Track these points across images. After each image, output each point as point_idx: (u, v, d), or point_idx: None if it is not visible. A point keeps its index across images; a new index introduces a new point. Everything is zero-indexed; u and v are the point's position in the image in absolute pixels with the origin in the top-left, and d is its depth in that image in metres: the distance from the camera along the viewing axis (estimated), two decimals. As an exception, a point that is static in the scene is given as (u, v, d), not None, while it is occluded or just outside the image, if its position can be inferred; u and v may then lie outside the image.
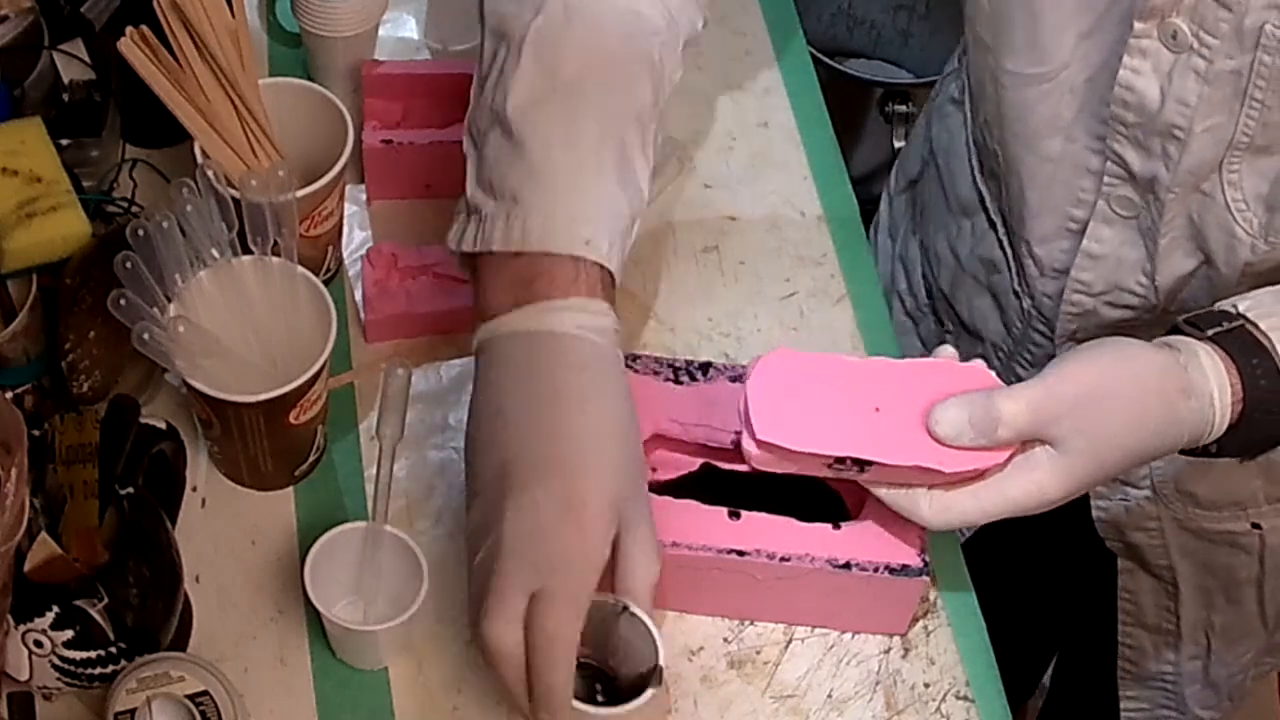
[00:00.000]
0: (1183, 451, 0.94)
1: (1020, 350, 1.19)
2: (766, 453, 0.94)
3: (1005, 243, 1.16)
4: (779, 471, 0.96)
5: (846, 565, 0.98)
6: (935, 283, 1.29)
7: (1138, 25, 0.94)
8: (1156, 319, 1.08)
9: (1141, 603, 1.27)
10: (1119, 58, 0.96)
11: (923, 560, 0.98)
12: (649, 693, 0.89)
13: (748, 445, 0.95)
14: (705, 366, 1.05)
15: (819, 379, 0.95)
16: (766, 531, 0.98)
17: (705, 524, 0.98)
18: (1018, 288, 1.16)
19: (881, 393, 0.94)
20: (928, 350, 1.30)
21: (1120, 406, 0.90)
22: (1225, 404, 0.90)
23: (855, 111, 2.03)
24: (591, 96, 0.93)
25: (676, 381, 1.04)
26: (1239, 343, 0.91)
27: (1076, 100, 1.01)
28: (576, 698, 0.89)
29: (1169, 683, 1.31)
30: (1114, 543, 1.24)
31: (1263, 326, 0.91)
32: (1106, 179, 1.02)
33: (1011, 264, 1.16)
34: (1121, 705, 1.35)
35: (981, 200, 1.18)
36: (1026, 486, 0.91)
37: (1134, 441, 0.91)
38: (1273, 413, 0.91)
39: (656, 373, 1.04)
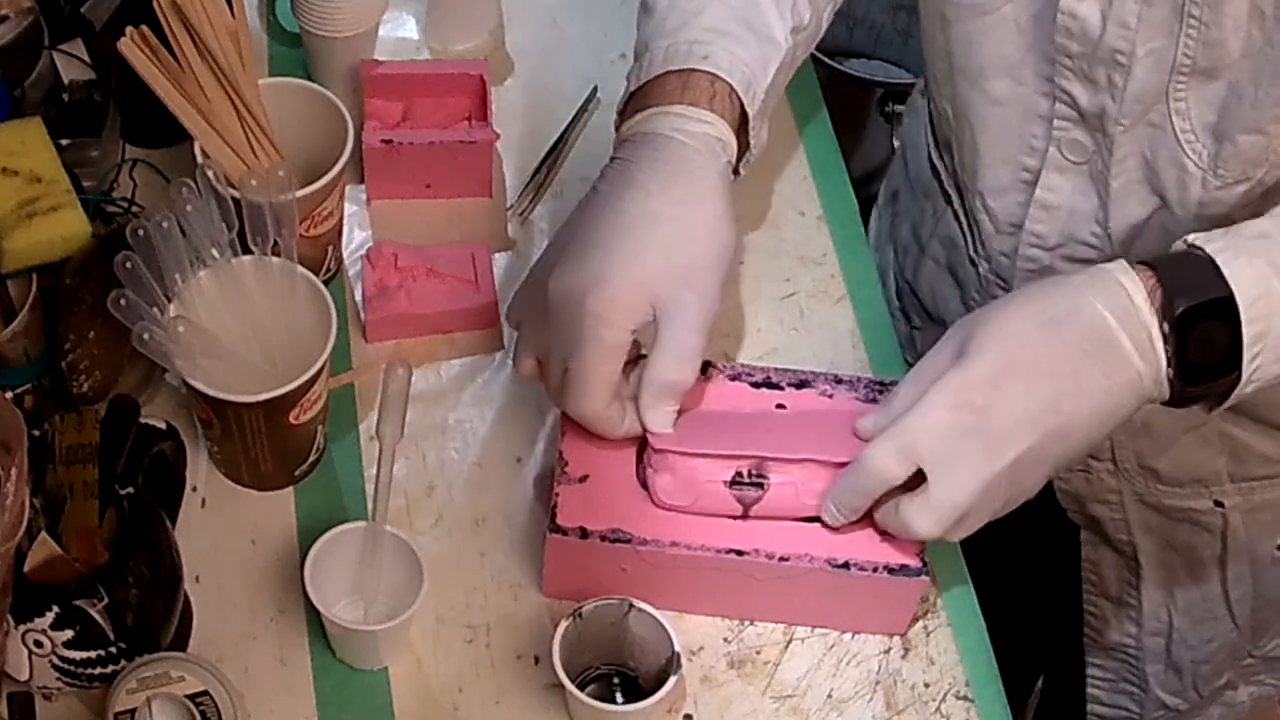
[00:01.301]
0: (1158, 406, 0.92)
1: None
2: (667, 472, 0.98)
3: (960, 211, 1.16)
4: (687, 509, 0.98)
5: (846, 565, 0.98)
6: (902, 275, 1.30)
7: None
8: None
9: (1104, 575, 1.27)
10: None
11: (922, 560, 0.98)
12: (671, 680, 0.93)
13: (652, 476, 0.98)
14: (705, 366, 1.05)
15: (713, 404, 1.01)
16: (766, 531, 0.98)
17: (705, 524, 0.98)
18: (974, 253, 1.16)
19: (771, 415, 1.01)
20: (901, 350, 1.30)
21: (1001, 304, 0.93)
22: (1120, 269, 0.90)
23: (855, 111, 2.03)
24: None
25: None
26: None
27: (1024, 40, 1.01)
28: (598, 699, 0.95)
29: (1131, 655, 1.31)
30: (1075, 514, 1.24)
31: (1197, 241, 0.90)
32: (1056, 122, 1.02)
33: (966, 230, 1.16)
34: (1087, 673, 1.35)
35: (937, 175, 1.19)
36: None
37: (1032, 315, 0.90)
38: (1198, 284, 0.89)
39: (656, 373, 1.05)
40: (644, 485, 1.00)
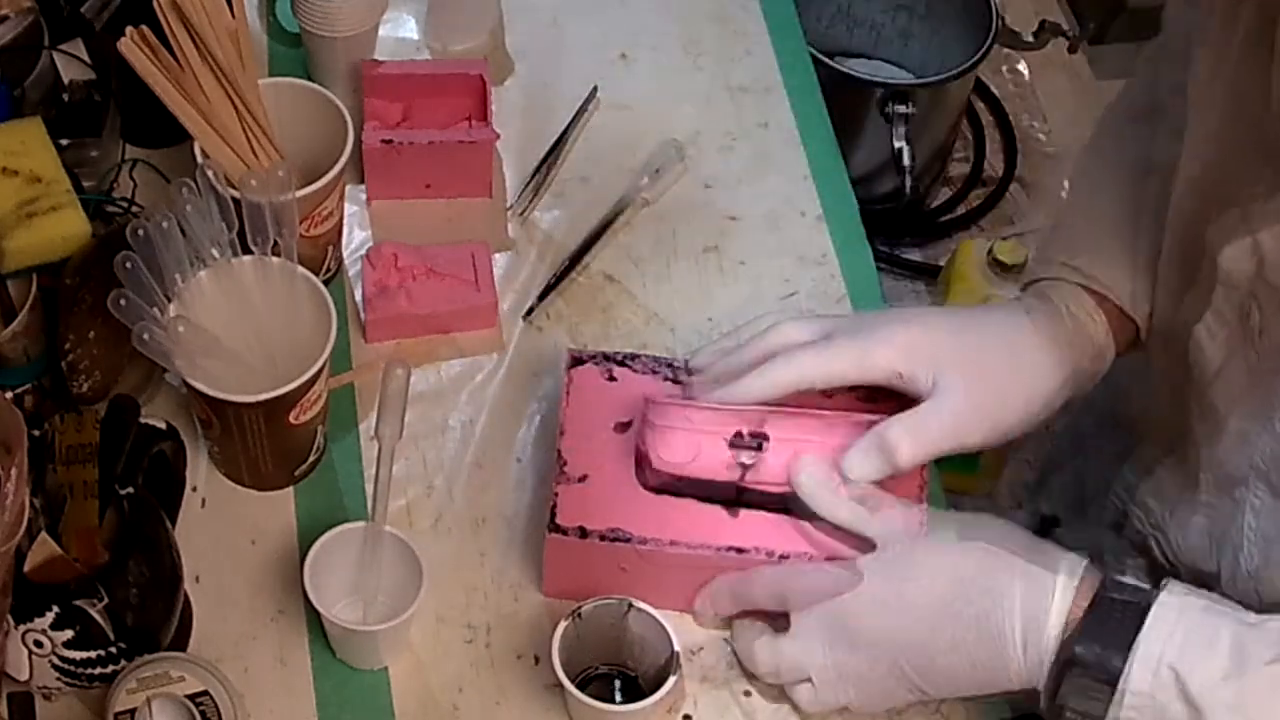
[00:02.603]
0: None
1: None
2: (667, 427, 0.98)
3: None
4: (685, 468, 0.98)
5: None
6: None
7: (1219, 290, 0.93)
8: None
9: None
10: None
11: (922, 560, 0.98)
12: (671, 680, 0.93)
13: (651, 436, 0.99)
14: (705, 366, 1.05)
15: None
16: (765, 529, 0.98)
17: (704, 522, 0.98)
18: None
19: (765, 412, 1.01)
20: None
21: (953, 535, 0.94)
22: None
23: (855, 111, 2.03)
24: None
25: (676, 381, 1.04)
26: None
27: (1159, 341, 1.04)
28: (598, 699, 0.94)
29: None
30: None
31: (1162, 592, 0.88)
32: None
33: None
34: None
35: None
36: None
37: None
38: None
39: (655, 372, 1.05)
40: (640, 468, 1.00)
